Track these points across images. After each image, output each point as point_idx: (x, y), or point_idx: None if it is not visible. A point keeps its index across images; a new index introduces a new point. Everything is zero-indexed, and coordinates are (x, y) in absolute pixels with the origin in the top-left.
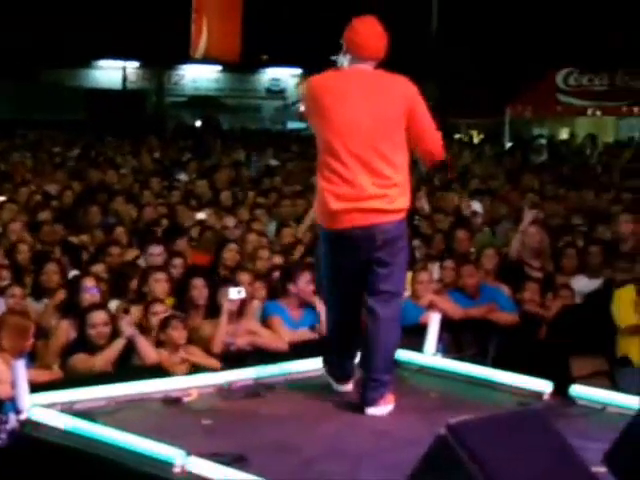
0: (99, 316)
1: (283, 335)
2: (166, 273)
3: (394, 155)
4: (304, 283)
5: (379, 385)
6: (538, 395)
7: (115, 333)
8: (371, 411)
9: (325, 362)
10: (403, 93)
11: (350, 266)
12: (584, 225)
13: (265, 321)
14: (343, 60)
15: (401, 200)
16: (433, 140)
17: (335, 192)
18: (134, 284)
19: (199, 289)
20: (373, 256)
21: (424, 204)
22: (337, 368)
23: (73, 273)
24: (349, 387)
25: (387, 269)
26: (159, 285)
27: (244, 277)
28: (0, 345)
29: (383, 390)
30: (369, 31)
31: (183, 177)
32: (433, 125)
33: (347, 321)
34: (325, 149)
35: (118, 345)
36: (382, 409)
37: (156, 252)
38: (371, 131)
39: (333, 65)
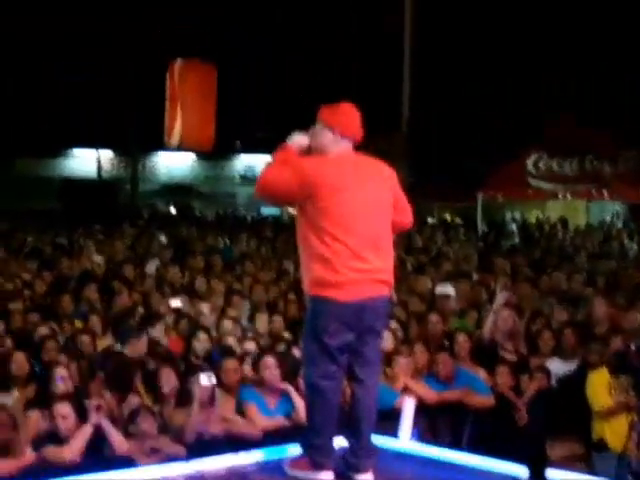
0: (64, 408)
1: (258, 422)
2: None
3: (389, 232)
4: (271, 369)
5: (371, 452)
6: None
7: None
8: (362, 477)
9: (307, 448)
10: (389, 176)
11: (348, 337)
12: (556, 308)
13: (240, 407)
14: (324, 139)
15: (393, 276)
16: (408, 211)
17: (345, 264)
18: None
19: (166, 378)
20: (371, 327)
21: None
22: (321, 451)
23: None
24: (330, 476)
25: (378, 340)
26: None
27: (229, 363)
28: None
29: (374, 457)
30: (354, 114)
31: (156, 264)
32: (405, 198)
33: (335, 396)
34: (332, 224)
35: (85, 434)
36: (370, 476)
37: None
38: (375, 209)
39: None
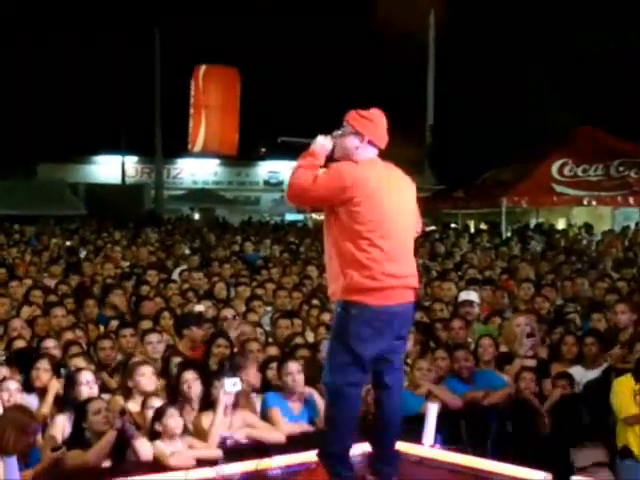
0: (101, 404)
1: (282, 427)
2: (151, 367)
3: (413, 239)
4: (294, 374)
5: (395, 458)
6: None
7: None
8: None
9: (327, 456)
10: (412, 184)
11: (381, 345)
12: (580, 314)
13: (264, 412)
14: (353, 144)
15: (418, 280)
16: (420, 221)
17: (381, 270)
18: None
19: (190, 382)
20: (400, 333)
21: None
22: (341, 460)
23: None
24: None
25: (404, 346)
26: (143, 379)
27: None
28: (2, 442)
29: (398, 463)
30: (383, 121)
31: (180, 269)
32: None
33: (358, 404)
34: (369, 229)
35: (109, 438)
36: None
37: (155, 340)
38: (406, 216)
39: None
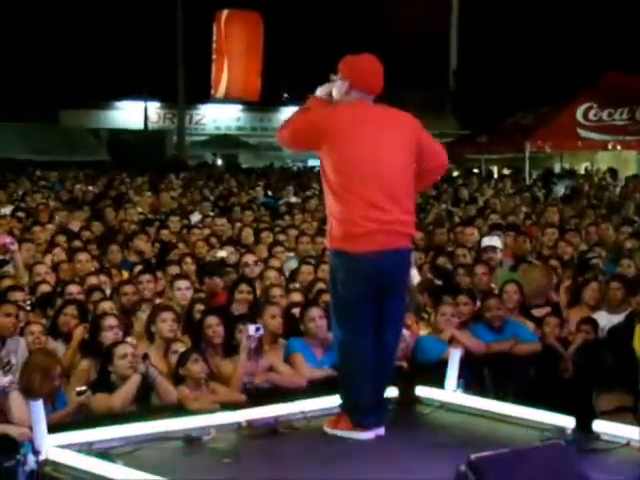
0: (127, 348)
1: (304, 373)
2: (173, 312)
3: (411, 186)
4: (317, 320)
5: (385, 407)
6: (561, 430)
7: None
8: (380, 432)
9: (347, 406)
10: (410, 124)
11: (368, 291)
12: (604, 259)
13: (288, 358)
14: (340, 90)
15: (414, 228)
16: (440, 153)
17: (364, 215)
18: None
19: (214, 327)
20: (392, 280)
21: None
22: (360, 410)
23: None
24: (370, 436)
25: (399, 295)
26: (165, 325)
27: (273, 310)
28: (28, 385)
29: (385, 412)
30: (374, 66)
31: (202, 215)
32: (435, 142)
33: (368, 351)
34: (345, 175)
35: (134, 381)
36: (382, 431)
37: (184, 286)
38: (392, 159)
39: None
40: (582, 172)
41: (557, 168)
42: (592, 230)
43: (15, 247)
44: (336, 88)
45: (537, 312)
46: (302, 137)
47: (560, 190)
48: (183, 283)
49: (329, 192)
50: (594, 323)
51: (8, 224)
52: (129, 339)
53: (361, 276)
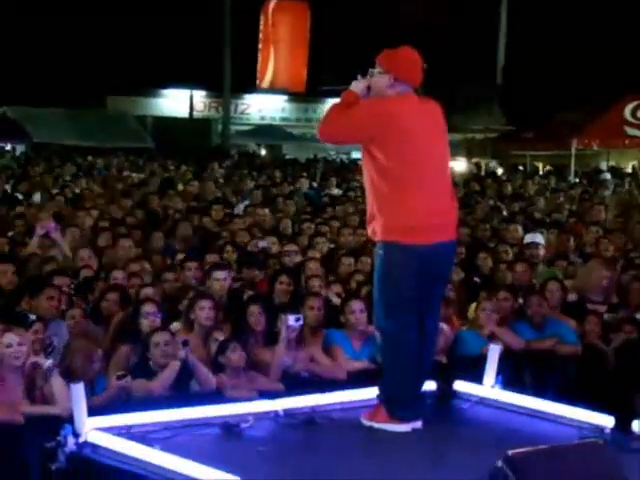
0: (163, 337)
1: (343, 363)
2: (211, 300)
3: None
4: (356, 312)
5: (423, 400)
6: (600, 429)
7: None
8: (417, 425)
9: (386, 399)
10: (443, 116)
11: (424, 284)
12: None
13: (327, 349)
14: (384, 84)
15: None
16: None
17: (428, 208)
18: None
19: (256, 316)
20: (441, 272)
21: None
22: (400, 404)
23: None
24: (407, 429)
25: (445, 286)
26: (203, 313)
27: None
28: (69, 368)
29: (424, 405)
30: (413, 58)
31: (245, 205)
32: None
33: (415, 347)
34: (405, 166)
35: (174, 367)
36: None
37: (221, 276)
38: (443, 150)
39: None
40: (629, 170)
41: (603, 166)
42: (637, 229)
43: (57, 233)
44: (378, 82)
45: (591, 307)
46: (357, 130)
47: (608, 188)
48: (221, 274)
49: (385, 184)
50: (636, 322)
51: (52, 208)
52: (173, 325)
53: (418, 269)
